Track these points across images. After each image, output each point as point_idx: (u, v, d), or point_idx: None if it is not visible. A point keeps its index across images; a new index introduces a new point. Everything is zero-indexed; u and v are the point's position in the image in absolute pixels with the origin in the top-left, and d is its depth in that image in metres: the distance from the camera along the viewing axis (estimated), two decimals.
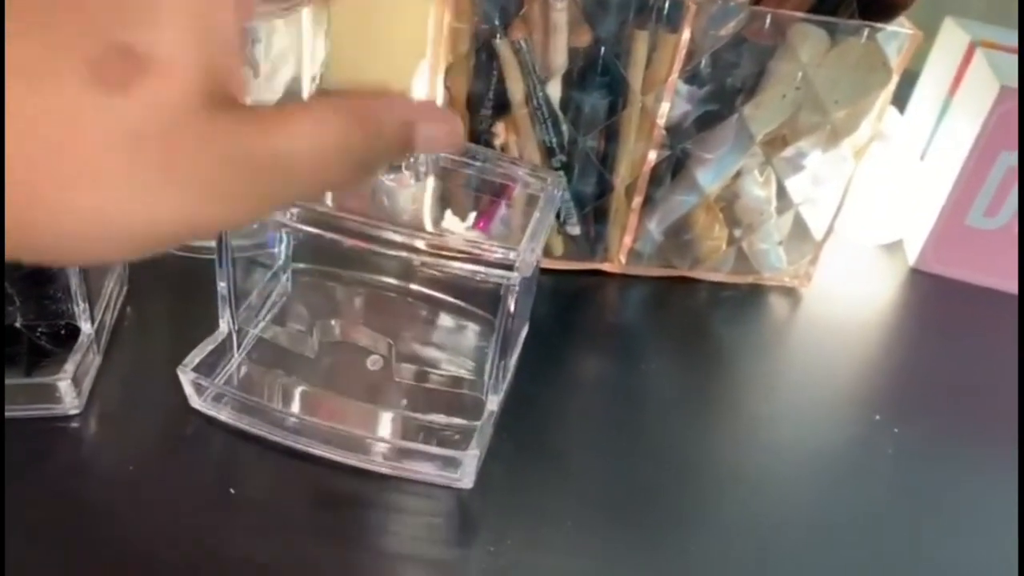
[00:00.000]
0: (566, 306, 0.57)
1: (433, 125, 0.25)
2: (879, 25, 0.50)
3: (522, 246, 0.41)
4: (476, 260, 0.40)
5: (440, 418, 0.46)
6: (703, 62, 0.51)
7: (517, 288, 0.41)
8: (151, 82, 0.18)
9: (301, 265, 0.52)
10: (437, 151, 0.27)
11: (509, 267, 0.40)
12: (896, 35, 0.51)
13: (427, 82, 0.53)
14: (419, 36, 0.55)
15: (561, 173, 0.53)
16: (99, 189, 0.18)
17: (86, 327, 0.44)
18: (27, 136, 0.17)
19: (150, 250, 0.20)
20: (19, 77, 0.17)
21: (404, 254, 0.40)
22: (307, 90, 0.62)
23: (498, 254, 0.40)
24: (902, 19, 0.51)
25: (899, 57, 0.51)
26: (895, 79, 0.52)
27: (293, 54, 0.59)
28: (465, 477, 0.43)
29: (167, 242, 0.20)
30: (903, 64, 0.52)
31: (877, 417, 0.51)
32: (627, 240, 0.58)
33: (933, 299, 0.63)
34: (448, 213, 0.52)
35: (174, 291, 0.53)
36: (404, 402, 0.46)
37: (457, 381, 0.47)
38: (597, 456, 0.46)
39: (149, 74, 0.18)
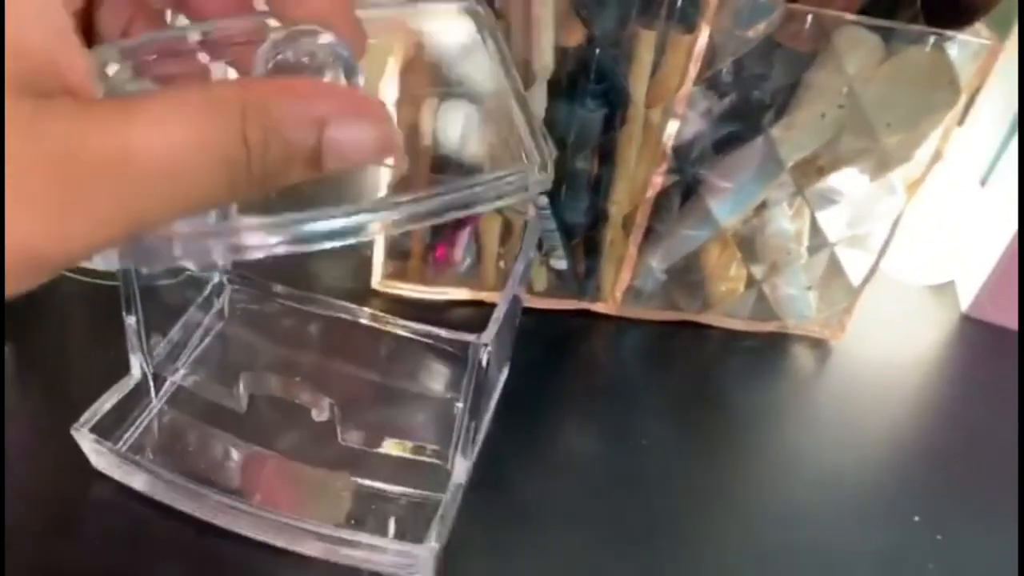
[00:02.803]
0: (548, 355, 0.48)
1: (354, 126, 0.19)
2: (949, 33, 0.40)
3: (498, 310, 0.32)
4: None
5: (397, 489, 0.38)
6: (724, 71, 0.41)
7: (489, 348, 0.32)
8: None
9: (238, 288, 0.43)
10: (357, 164, 0.20)
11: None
12: (967, 45, 0.40)
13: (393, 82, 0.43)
14: None
15: (543, 197, 0.44)
16: None
17: None
18: None
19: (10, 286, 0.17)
20: None
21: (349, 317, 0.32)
22: None
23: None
24: (976, 25, 0.41)
25: (971, 73, 0.41)
26: (963, 99, 0.42)
27: None
28: (421, 572, 0.34)
29: (18, 275, 0.16)
30: (976, 82, 0.41)
31: (916, 519, 0.42)
32: (624, 276, 0.48)
33: (988, 353, 0.54)
34: None
35: (75, 325, 0.44)
36: (353, 468, 0.38)
37: (418, 447, 0.38)
38: (583, 548, 0.38)
39: None
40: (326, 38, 0.22)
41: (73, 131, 0.16)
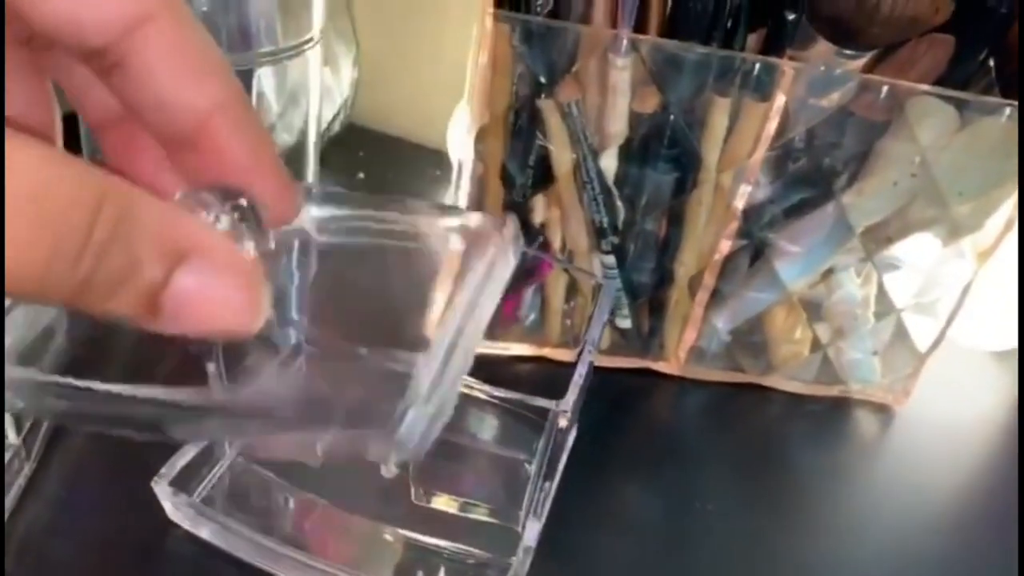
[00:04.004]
0: (610, 412, 0.47)
1: (214, 279, 0.16)
2: None
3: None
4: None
5: (465, 549, 0.37)
6: (796, 138, 0.41)
7: (569, 414, 0.32)
8: None
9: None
10: (199, 328, 0.17)
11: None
12: None
13: (465, 129, 0.44)
14: (459, 66, 0.45)
15: (610, 257, 0.44)
16: None
17: (11, 434, 0.36)
18: None
19: None
20: None
21: None
22: (314, 124, 0.54)
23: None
24: None
25: None
26: None
27: (303, 92, 0.51)
28: None
29: None
30: None
31: None
32: (688, 337, 0.48)
33: None
34: None
35: None
36: (421, 526, 0.38)
37: (486, 508, 0.38)
38: None
39: None
40: (235, 199, 0.19)
41: None
